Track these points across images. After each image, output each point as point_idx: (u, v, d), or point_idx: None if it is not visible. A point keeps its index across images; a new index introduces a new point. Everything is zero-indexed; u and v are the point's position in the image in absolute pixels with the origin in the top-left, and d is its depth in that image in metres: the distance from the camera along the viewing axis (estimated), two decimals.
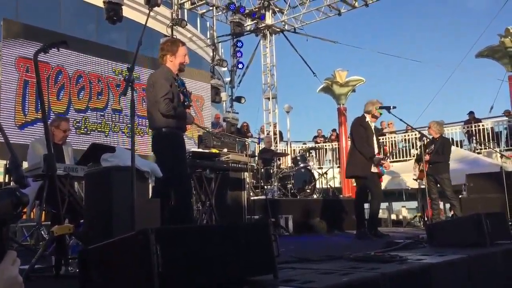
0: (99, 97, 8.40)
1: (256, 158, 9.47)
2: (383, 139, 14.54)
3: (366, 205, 6.45)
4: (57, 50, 3.12)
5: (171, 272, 1.66)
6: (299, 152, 14.07)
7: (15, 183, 1.55)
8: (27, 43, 7.39)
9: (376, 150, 5.98)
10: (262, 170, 9.12)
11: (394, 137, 15.88)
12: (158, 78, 4.12)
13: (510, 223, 4.58)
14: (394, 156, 14.66)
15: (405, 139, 15.66)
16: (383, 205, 14.56)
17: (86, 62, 8.26)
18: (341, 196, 11.33)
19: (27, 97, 7.36)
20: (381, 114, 6.13)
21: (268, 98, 14.74)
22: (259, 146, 12.58)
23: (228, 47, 15.64)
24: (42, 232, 4.45)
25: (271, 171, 9.23)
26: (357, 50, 50.01)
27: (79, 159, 4.54)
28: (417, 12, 65.19)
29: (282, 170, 9.77)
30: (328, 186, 11.01)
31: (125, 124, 8.61)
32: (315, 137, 17.32)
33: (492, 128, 14.50)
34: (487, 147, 13.56)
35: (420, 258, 2.81)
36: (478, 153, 13.27)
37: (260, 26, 14.44)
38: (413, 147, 14.97)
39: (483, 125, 14.51)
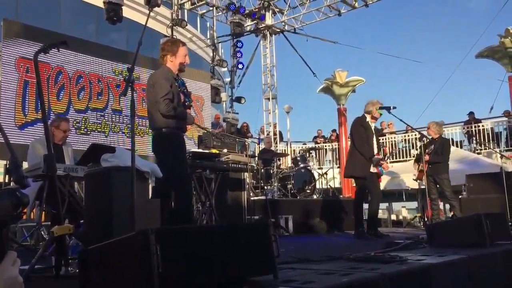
0: (99, 97, 8.41)
1: (256, 158, 9.47)
2: (383, 139, 14.54)
3: (366, 205, 6.45)
4: (57, 51, 3.13)
5: (171, 272, 1.66)
6: (299, 153, 14.07)
7: (15, 183, 1.55)
8: (27, 43, 7.39)
9: (375, 151, 5.98)
10: (262, 170, 9.12)
11: (394, 138, 15.88)
12: (158, 79, 4.12)
13: (510, 224, 4.59)
14: (394, 156, 14.66)
15: (405, 140, 15.67)
16: (383, 205, 14.57)
17: (86, 62, 8.26)
18: (341, 196, 11.34)
19: (27, 97, 7.37)
20: (381, 114, 6.13)
21: (268, 99, 14.74)
22: (259, 147, 12.58)
23: (228, 48, 15.67)
24: (42, 232, 4.45)
25: (271, 172, 9.23)
26: (357, 50, 50.07)
27: (79, 160, 4.54)
28: (417, 12, 65.27)
29: (282, 170, 9.77)
30: (328, 187, 11.01)
31: (125, 125, 8.62)
32: (315, 137, 17.32)
33: (492, 128, 14.51)
34: (487, 148, 13.56)
35: (420, 259, 2.81)
36: (478, 153, 13.27)
37: (260, 26, 14.45)
38: (413, 148, 14.97)
39: (483, 126, 14.52)
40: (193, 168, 5.12)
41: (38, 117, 7.28)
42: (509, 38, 13.80)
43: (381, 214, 12.45)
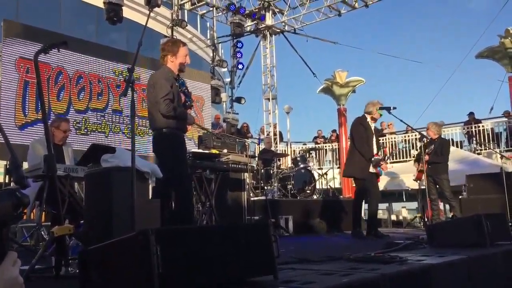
0: (99, 97, 8.41)
1: (256, 158, 9.47)
2: (383, 140, 14.53)
3: (366, 206, 6.44)
4: (57, 51, 3.13)
5: (171, 272, 1.66)
6: (299, 153, 14.07)
7: (15, 183, 1.55)
8: (27, 44, 7.39)
9: (375, 151, 5.99)
10: (262, 170, 9.12)
11: (394, 138, 15.88)
12: (158, 79, 4.12)
13: (510, 224, 4.58)
14: (394, 156, 14.66)
15: (405, 140, 15.67)
16: (383, 205, 14.57)
17: (86, 62, 8.26)
18: (341, 196, 11.34)
19: (27, 97, 7.37)
20: (381, 115, 6.14)
21: (268, 99, 14.74)
22: (259, 147, 12.58)
23: (228, 48, 15.66)
24: (42, 232, 4.45)
25: (271, 172, 9.23)
26: (357, 50, 50.07)
27: (79, 160, 4.53)
28: (417, 12, 65.23)
29: (282, 170, 9.77)
30: (328, 187, 11.02)
31: (125, 125, 8.62)
32: (315, 137, 17.32)
33: (492, 129, 14.51)
34: (487, 148, 13.56)
35: (420, 259, 2.81)
36: (478, 154, 13.27)
37: (260, 27, 14.45)
38: (413, 148, 14.97)
39: (483, 126, 14.52)
40: (193, 169, 5.12)
41: (38, 117, 7.28)
42: (509, 38, 13.80)
43: (381, 215, 12.46)
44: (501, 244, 3.68)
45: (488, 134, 14.38)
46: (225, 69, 14.30)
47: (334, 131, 16.72)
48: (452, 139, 14.00)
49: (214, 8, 12.86)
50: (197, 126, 6.70)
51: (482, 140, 13.98)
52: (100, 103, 8.40)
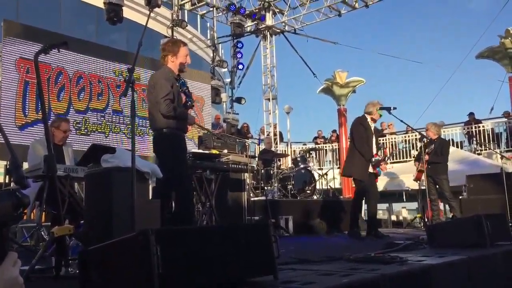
0: (99, 98, 8.40)
1: (256, 159, 9.47)
2: (383, 140, 14.54)
3: (366, 206, 6.45)
4: (58, 51, 3.13)
5: (171, 272, 1.66)
6: (299, 153, 14.06)
7: (15, 184, 1.55)
8: (27, 44, 7.39)
9: (374, 151, 5.99)
10: (262, 171, 9.12)
11: (394, 138, 15.88)
12: (159, 79, 4.12)
13: (510, 224, 4.58)
14: (394, 157, 14.65)
15: (405, 140, 15.66)
16: (384, 206, 14.57)
17: (86, 62, 8.26)
18: (341, 197, 11.34)
19: (27, 97, 7.37)
20: (381, 115, 6.14)
21: (268, 99, 14.74)
22: (259, 147, 12.58)
23: (228, 48, 15.63)
24: (42, 233, 4.45)
25: (271, 172, 9.23)
26: (357, 50, 50.04)
27: (79, 160, 4.53)
28: (417, 12, 65.18)
29: (282, 171, 9.77)
30: (328, 187, 11.02)
31: (125, 125, 8.61)
32: (315, 138, 17.32)
33: (492, 129, 14.51)
34: (487, 148, 13.56)
35: (420, 259, 2.81)
36: (478, 154, 13.27)
37: (260, 27, 14.45)
38: (413, 148, 14.97)
39: (483, 126, 14.51)
40: (193, 169, 5.12)
41: (38, 117, 7.28)
42: (509, 38, 13.81)
43: (381, 215, 12.47)
44: (501, 245, 3.68)
45: (488, 135, 14.37)
46: (225, 69, 14.30)
47: (334, 131, 16.72)
48: (452, 140, 14.00)
49: (214, 8, 12.86)
50: (198, 126, 6.70)
51: (482, 141, 13.98)
52: (100, 103, 8.40)
